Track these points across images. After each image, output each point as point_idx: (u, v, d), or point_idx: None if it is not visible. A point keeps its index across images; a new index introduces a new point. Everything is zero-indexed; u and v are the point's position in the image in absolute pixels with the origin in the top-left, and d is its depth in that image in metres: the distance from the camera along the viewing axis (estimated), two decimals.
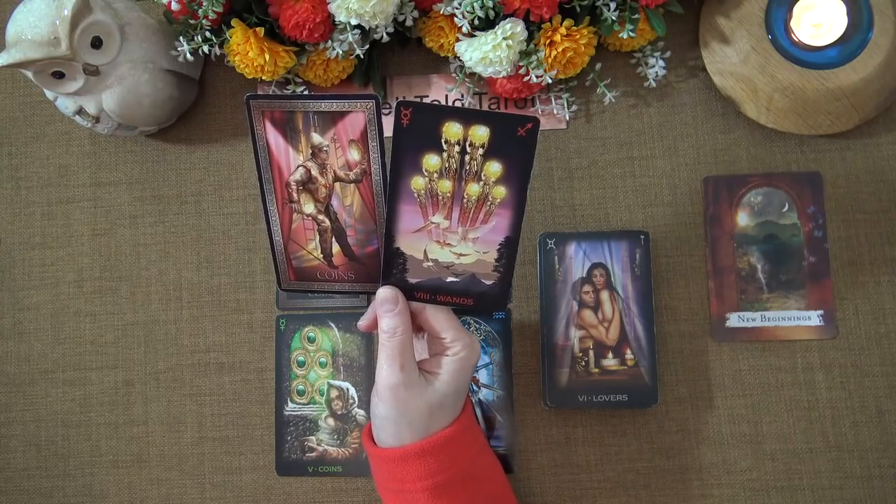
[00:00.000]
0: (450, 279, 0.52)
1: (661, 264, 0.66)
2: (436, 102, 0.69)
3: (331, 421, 0.66)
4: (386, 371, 0.52)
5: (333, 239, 0.54)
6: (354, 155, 0.52)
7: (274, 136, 0.51)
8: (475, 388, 0.65)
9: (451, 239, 0.51)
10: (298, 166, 0.52)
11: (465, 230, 0.51)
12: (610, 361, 0.63)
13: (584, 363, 0.63)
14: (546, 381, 0.63)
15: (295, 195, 0.53)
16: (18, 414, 0.69)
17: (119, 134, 0.68)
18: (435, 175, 0.49)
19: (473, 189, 0.50)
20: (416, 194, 0.50)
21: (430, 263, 0.52)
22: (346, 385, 0.66)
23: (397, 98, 0.69)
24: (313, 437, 0.66)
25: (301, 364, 0.67)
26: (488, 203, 0.50)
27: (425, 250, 0.52)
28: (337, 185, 0.53)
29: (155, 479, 0.67)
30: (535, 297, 0.65)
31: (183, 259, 0.69)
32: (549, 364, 0.63)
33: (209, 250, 0.69)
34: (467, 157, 0.49)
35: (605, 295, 0.64)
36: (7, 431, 0.69)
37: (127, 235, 0.70)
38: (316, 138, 0.51)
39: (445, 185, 0.50)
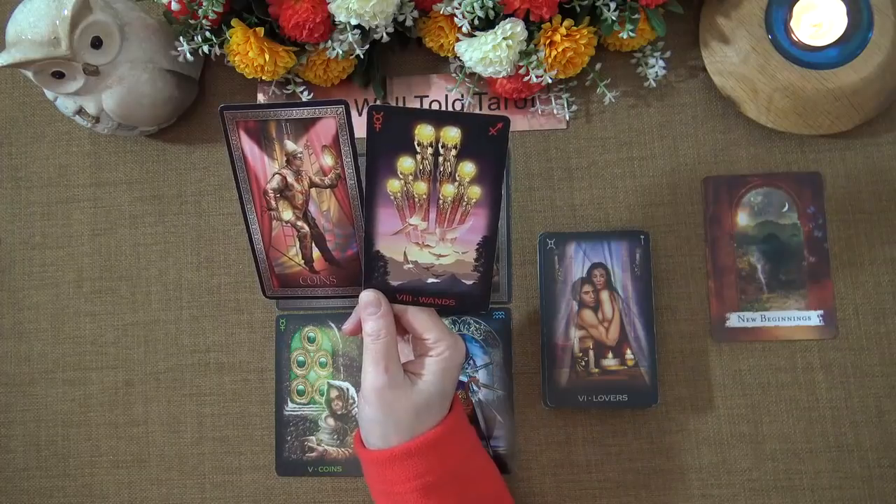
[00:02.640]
0: (430, 280, 0.53)
1: (661, 264, 0.66)
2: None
3: (331, 421, 0.66)
4: (371, 373, 0.52)
5: (313, 244, 0.55)
6: (328, 160, 0.52)
7: (249, 146, 0.52)
8: (475, 388, 0.65)
9: (429, 240, 0.52)
10: (274, 174, 0.53)
11: (442, 231, 0.52)
12: (610, 361, 0.63)
13: (584, 363, 0.63)
14: (546, 381, 0.63)
15: (273, 203, 0.53)
16: (18, 414, 0.69)
17: (119, 134, 0.68)
18: (410, 177, 0.50)
19: (449, 190, 0.50)
20: (392, 197, 0.50)
21: (411, 265, 0.52)
22: (346, 385, 0.66)
23: (397, 98, 0.69)
24: (313, 437, 0.66)
25: (301, 364, 0.67)
26: (464, 203, 0.51)
27: (405, 252, 0.52)
28: (313, 190, 0.53)
29: (155, 479, 0.67)
30: (535, 297, 0.65)
31: (183, 259, 0.69)
32: (549, 364, 0.63)
33: (209, 250, 0.69)
34: (441, 159, 0.49)
35: (605, 295, 0.64)
36: (7, 431, 0.69)
37: (127, 235, 0.70)
38: (290, 146, 0.52)
39: (421, 187, 0.50)
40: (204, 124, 0.70)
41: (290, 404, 0.66)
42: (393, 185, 0.50)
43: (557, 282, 0.64)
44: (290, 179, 0.53)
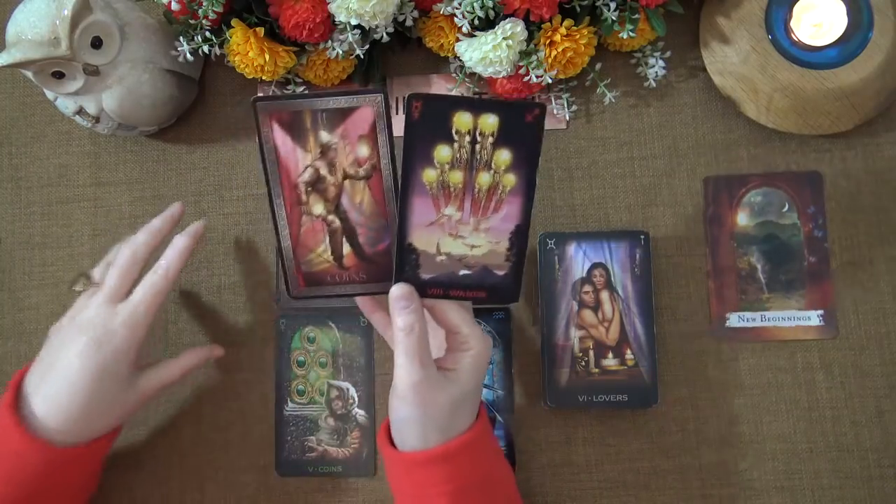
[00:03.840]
0: (462, 272, 0.52)
1: (661, 264, 0.66)
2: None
3: (331, 421, 0.66)
4: (407, 369, 0.50)
5: (344, 239, 0.54)
6: (364, 151, 0.52)
7: (282, 139, 0.51)
8: None
9: (462, 231, 0.51)
10: (307, 167, 0.52)
11: (476, 220, 0.51)
12: (610, 361, 0.63)
13: (584, 363, 0.63)
14: (546, 381, 0.63)
15: (304, 197, 0.53)
16: None
17: (119, 134, 0.68)
18: (446, 166, 0.50)
19: (484, 179, 0.50)
20: (428, 187, 0.50)
21: (443, 257, 0.52)
22: (346, 385, 0.66)
23: (397, 98, 0.69)
24: (313, 437, 0.66)
25: (301, 364, 0.67)
26: (499, 191, 0.51)
27: (438, 244, 0.51)
28: (347, 182, 0.52)
29: (155, 479, 0.67)
30: (535, 297, 0.65)
31: None
32: (549, 364, 0.63)
33: (209, 250, 0.69)
34: (478, 147, 0.49)
35: (605, 295, 0.64)
36: None
37: (127, 235, 0.70)
38: (324, 136, 0.51)
39: (457, 176, 0.50)
40: (204, 124, 0.70)
41: (290, 404, 0.66)
42: (429, 175, 0.50)
43: (557, 282, 0.64)
44: (324, 172, 0.52)
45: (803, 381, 0.64)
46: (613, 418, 0.65)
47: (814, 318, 0.64)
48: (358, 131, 0.51)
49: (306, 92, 0.53)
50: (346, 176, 0.52)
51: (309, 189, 0.52)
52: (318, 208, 0.53)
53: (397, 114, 0.69)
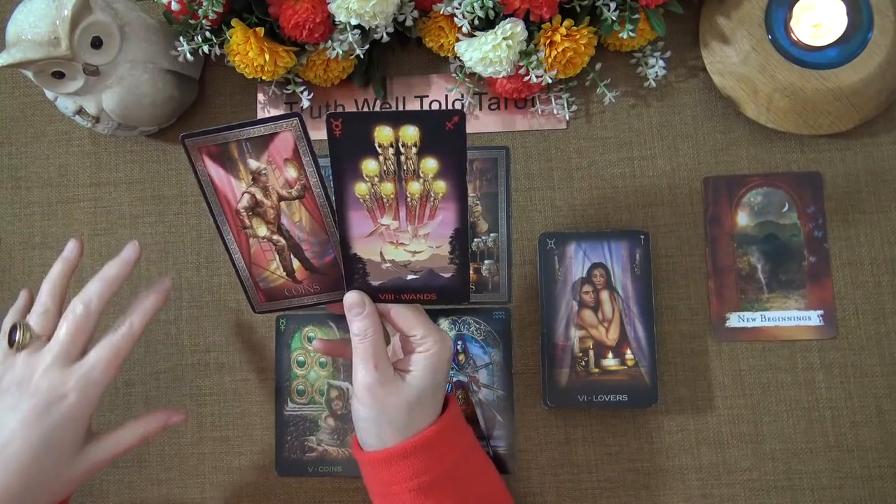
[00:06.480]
0: (410, 277, 0.53)
1: (661, 264, 0.66)
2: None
3: (331, 421, 0.66)
4: (362, 372, 0.52)
5: (292, 255, 0.56)
6: (292, 172, 0.53)
7: (215, 170, 0.53)
8: (475, 388, 0.65)
9: (402, 238, 0.53)
10: (243, 193, 0.54)
11: (414, 228, 0.52)
12: (610, 361, 0.63)
13: (584, 363, 0.63)
14: (546, 381, 0.63)
15: (247, 221, 0.55)
16: None
17: (119, 134, 0.68)
18: (376, 179, 0.50)
19: (415, 187, 0.51)
20: (361, 200, 0.51)
21: (388, 264, 0.53)
22: (346, 385, 0.66)
23: (397, 98, 0.69)
24: (313, 437, 0.66)
25: (301, 364, 0.67)
26: (432, 198, 0.51)
27: (381, 252, 0.53)
28: (283, 204, 0.54)
29: (155, 479, 0.67)
30: (535, 297, 0.65)
31: (183, 259, 0.69)
32: (549, 364, 0.63)
33: (209, 250, 0.69)
34: (403, 158, 0.50)
35: (605, 295, 0.64)
36: None
37: (127, 235, 0.70)
38: (253, 164, 0.53)
39: (388, 188, 0.51)
40: (204, 125, 0.70)
41: (290, 404, 0.66)
42: (360, 189, 0.51)
43: (557, 282, 0.64)
44: (259, 196, 0.54)
45: (803, 381, 0.64)
46: (613, 418, 0.65)
47: (814, 318, 0.64)
48: (283, 155, 0.52)
49: (228, 123, 0.56)
50: (280, 198, 0.54)
51: (249, 213, 0.54)
52: (262, 230, 0.55)
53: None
